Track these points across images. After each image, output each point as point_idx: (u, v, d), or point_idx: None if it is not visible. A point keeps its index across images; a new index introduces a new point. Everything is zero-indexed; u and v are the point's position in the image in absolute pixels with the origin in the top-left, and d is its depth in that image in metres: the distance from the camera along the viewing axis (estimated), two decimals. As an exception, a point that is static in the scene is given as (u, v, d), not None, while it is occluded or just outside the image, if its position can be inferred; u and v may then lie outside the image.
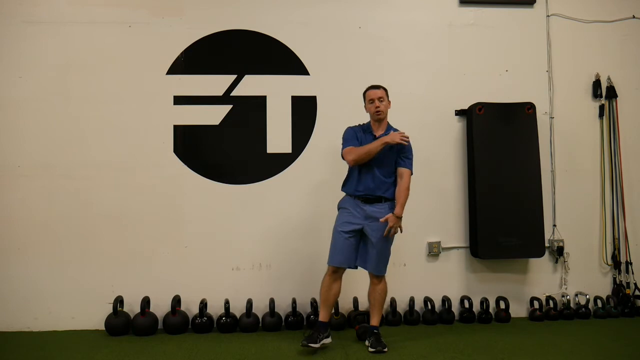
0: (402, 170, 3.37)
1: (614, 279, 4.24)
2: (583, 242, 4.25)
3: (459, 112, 4.19)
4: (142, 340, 3.59)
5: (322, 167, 4.04)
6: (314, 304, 3.85)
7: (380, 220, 3.28)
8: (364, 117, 3.52)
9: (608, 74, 4.29)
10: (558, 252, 4.16)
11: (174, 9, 4.06)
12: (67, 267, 3.86)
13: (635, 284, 4.20)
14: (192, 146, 4.03)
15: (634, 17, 4.36)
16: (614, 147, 4.29)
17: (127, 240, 3.91)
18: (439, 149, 4.16)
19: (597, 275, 4.25)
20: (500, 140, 4.08)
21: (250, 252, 4.00)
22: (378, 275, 3.41)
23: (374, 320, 3.44)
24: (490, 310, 4.02)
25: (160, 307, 3.80)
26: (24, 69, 3.92)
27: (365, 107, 3.48)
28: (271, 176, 4.05)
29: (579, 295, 4.15)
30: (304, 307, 3.90)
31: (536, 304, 4.09)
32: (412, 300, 3.95)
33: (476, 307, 4.04)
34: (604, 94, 4.29)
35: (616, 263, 4.21)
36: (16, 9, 3.94)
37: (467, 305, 4.02)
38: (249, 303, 3.80)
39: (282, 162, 4.06)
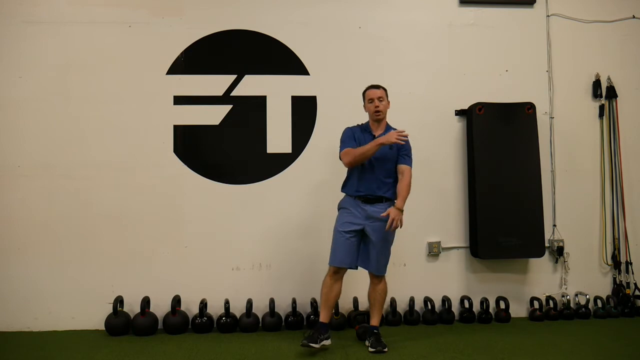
0: (403, 168, 3.36)
1: (614, 279, 4.24)
2: (583, 242, 4.25)
3: (459, 112, 4.19)
4: (142, 340, 3.59)
5: (322, 167, 4.04)
6: (314, 304, 3.86)
7: (382, 215, 3.26)
8: (364, 117, 3.52)
9: (608, 74, 4.29)
10: (558, 252, 4.16)
11: (174, 9, 4.06)
12: (67, 267, 3.86)
13: (635, 284, 4.20)
14: (192, 146, 4.03)
15: (634, 17, 4.36)
16: (614, 147, 4.29)
17: (127, 240, 3.91)
18: (439, 149, 4.16)
19: (597, 275, 4.25)
20: (500, 140, 4.08)
21: (250, 252, 4.00)
22: (378, 275, 3.41)
23: (374, 320, 3.44)
24: (490, 310, 4.02)
25: (160, 307, 3.80)
26: (24, 69, 3.93)
27: (364, 106, 3.48)
28: (271, 176, 4.05)
29: (579, 295, 4.15)
30: (304, 307, 3.90)
31: (536, 304, 4.09)
32: (412, 300, 3.95)
33: (476, 307, 4.04)
34: (604, 94, 4.29)
35: (616, 263, 4.21)
36: (16, 9, 3.94)
37: (467, 305, 4.02)
38: (249, 303, 3.80)
39: (282, 162, 4.06)
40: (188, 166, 4.00)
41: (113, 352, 3.33)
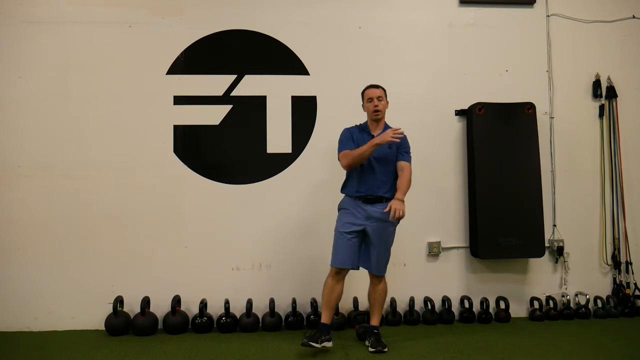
0: (403, 164, 3.36)
1: (614, 279, 4.24)
2: (583, 242, 4.25)
3: (459, 112, 4.19)
4: (142, 340, 3.59)
5: (322, 167, 4.03)
6: (314, 304, 3.85)
7: (384, 210, 3.22)
8: (364, 117, 3.52)
9: (608, 74, 4.29)
10: (558, 252, 4.16)
11: (174, 9, 4.06)
12: (67, 267, 3.86)
13: (635, 284, 4.20)
14: (192, 146, 4.03)
15: (634, 17, 4.36)
16: (614, 147, 4.29)
17: (127, 240, 3.91)
18: (439, 149, 4.16)
19: (597, 275, 4.25)
20: (500, 140, 4.08)
21: (250, 252, 4.00)
22: (378, 275, 3.41)
23: (374, 320, 3.44)
24: (490, 310, 4.02)
25: (160, 307, 3.80)
26: (24, 69, 3.93)
27: (363, 106, 3.48)
28: (271, 176, 4.05)
29: (579, 295, 4.15)
30: (304, 307, 3.90)
31: (536, 304, 4.09)
32: (412, 300, 3.95)
33: (476, 307, 4.04)
34: (604, 94, 4.29)
35: (616, 263, 4.21)
36: (16, 9, 3.94)
37: (467, 305, 4.02)
38: (249, 303, 3.80)
39: (282, 162, 4.06)
40: (188, 166, 4.00)
41: (113, 352, 3.33)
